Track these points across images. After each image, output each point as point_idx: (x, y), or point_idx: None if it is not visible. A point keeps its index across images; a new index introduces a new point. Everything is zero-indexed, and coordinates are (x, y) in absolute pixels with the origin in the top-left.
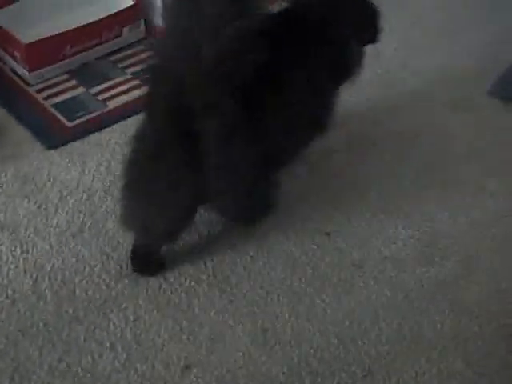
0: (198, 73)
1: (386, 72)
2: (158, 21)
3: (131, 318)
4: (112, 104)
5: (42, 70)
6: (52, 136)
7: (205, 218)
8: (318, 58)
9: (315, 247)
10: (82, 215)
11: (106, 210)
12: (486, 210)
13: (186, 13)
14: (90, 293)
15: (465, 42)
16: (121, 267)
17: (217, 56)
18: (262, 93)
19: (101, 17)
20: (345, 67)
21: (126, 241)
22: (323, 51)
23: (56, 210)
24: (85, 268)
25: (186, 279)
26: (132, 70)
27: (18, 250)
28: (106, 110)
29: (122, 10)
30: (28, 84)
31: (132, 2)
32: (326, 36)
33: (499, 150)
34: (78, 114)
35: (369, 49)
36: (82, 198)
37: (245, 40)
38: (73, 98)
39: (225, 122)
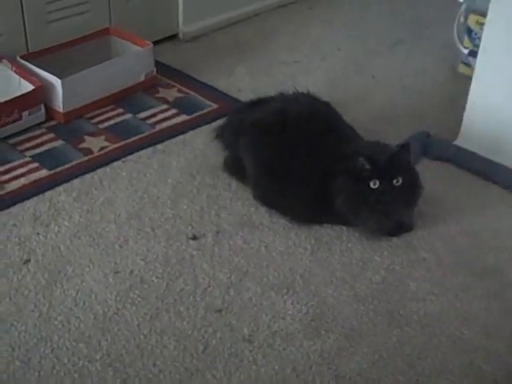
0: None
1: None
2: (59, 104)
3: None
4: (10, 186)
5: None
6: None
7: (101, 298)
8: None
9: (207, 324)
10: None
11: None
12: (370, 283)
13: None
14: None
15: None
16: (13, 349)
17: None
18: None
19: (0, 101)
20: None
21: (20, 323)
22: None
23: None
24: None
25: (79, 359)
26: (31, 152)
27: None
28: (3, 192)
29: (23, 95)
30: None
31: (32, 87)
32: None
33: None
34: None
35: None
36: None
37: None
38: None
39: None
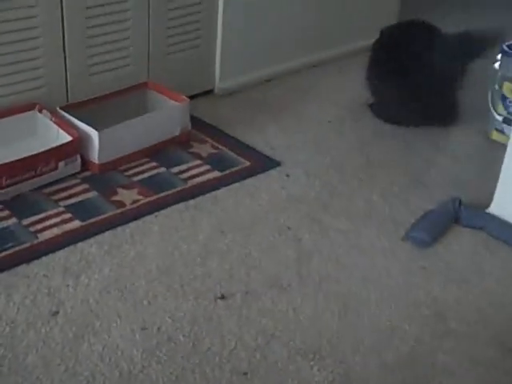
0: None
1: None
2: (95, 156)
3: None
4: (42, 236)
5: None
6: None
7: (127, 355)
8: None
9: None
10: (2, 349)
11: (27, 344)
12: (398, 352)
13: None
14: None
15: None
16: None
17: None
18: None
19: (38, 151)
20: None
21: (45, 376)
22: None
23: None
24: None
25: None
26: (65, 202)
27: None
28: (36, 241)
29: (60, 146)
30: None
31: (70, 138)
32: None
33: (409, 291)
34: (8, 245)
35: None
36: (3, 330)
37: None
38: (3, 229)
39: None
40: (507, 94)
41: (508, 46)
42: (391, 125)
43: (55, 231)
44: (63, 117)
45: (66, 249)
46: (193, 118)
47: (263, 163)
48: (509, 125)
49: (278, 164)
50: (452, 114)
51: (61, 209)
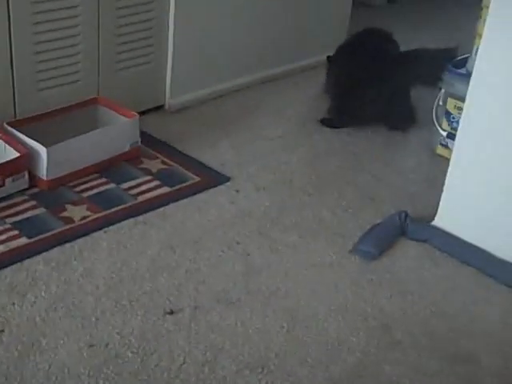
0: None
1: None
2: (43, 172)
3: None
4: None
5: None
6: None
7: (73, 373)
8: None
9: None
10: None
11: None
12: (345, 364)
13: None
14: None
15: (331, 201)
16: None
17: None
18: None
19: None
20: None
21: None
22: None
23: None
24: None
25: None
26: (12, 219)
27: None
28: None
29: (7, 162)
30: None
31: (17, 154)
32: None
33: (356, 304)
34: None
35: None
36: None
37: None
38: None
39: None
40: (451, 110)
41: (452, 64)
42: (347, 131)
43: (1, 248)
44: (11, 133)
45: (12, 266)
46: (143, 134)
47: (213, 179)
48: (453, 140)
49: (227, 179)
50: (408, 119)
51: (8, 226)
